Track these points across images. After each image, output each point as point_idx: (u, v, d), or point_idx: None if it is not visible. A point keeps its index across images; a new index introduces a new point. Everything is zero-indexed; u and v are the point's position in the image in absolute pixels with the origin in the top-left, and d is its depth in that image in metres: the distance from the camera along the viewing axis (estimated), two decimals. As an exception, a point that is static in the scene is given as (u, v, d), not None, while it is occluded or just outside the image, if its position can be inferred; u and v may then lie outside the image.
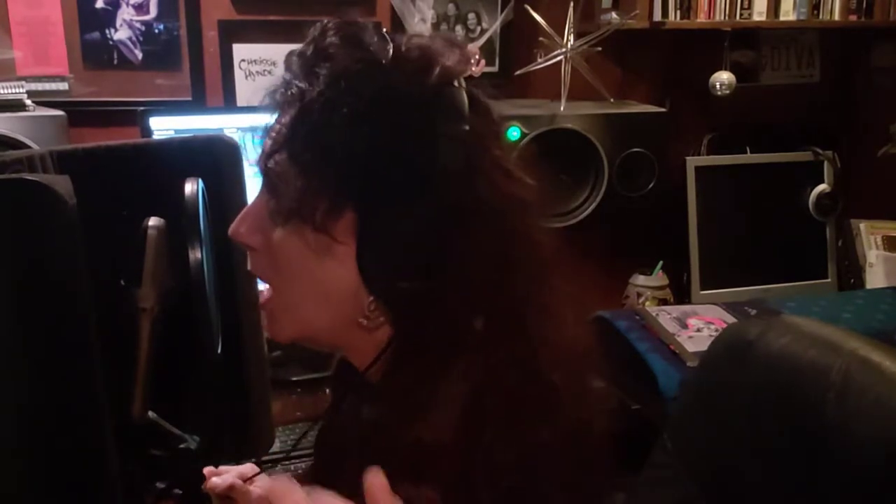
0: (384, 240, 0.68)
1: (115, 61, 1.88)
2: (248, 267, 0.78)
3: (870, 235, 2.29)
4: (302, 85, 0.70)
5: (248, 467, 1.06)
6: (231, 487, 1.01)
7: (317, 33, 0.72)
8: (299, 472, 1.35)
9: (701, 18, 2.09)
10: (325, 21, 0.73)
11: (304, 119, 0.69)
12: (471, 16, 2.09)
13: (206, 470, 0.98)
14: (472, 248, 0.68)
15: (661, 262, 2.17)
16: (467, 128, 0.68)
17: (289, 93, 0.71)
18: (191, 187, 0.80)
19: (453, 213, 0.67)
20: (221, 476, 1.02)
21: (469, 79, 0.72)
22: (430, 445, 0.66)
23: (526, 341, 0.69)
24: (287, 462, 1.37)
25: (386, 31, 0.73)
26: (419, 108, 0.68)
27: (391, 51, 0.70)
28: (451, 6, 2.07)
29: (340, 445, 0.78)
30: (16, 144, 1.50)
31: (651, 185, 2.02)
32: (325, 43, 0.71)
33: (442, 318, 0.68)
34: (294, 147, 0.70)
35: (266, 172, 0.73)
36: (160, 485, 0.93)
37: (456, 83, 0.71)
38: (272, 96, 0.72)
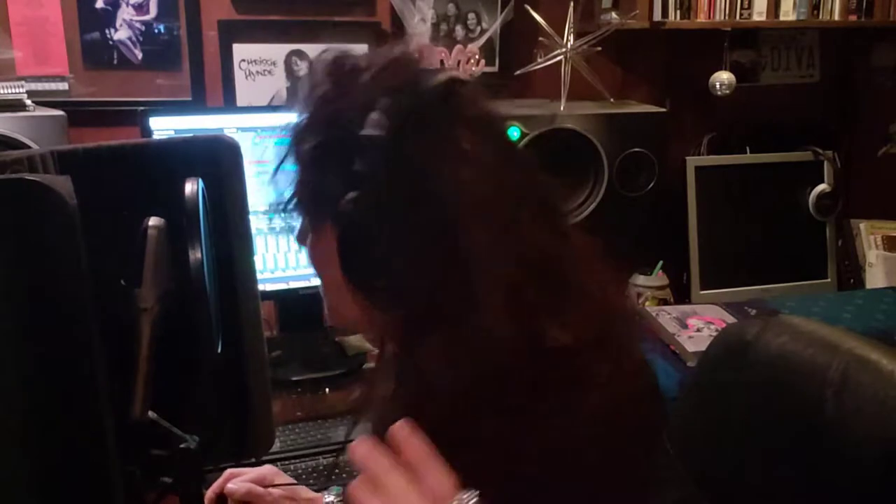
0: (351, 250, 0.76)
1: (115, 61, 1.89)
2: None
3: (870, 235, 2.30)
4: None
5: (267, 468, 1.07)
6: (249, 493, 1.02)
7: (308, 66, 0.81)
8: (299, 471, 1.36)
9: (701, 18, 2.09)
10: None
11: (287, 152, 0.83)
12: (471, 16, 2.09)
13: (227, 472, 1.01)
14: (418, 262, 0.74)
15: (661, 262, 2.17)
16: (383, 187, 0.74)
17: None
18: (191, 187, 0.80)
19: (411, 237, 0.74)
20: (239, 481, 1.03)
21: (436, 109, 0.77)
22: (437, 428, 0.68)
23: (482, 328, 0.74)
24: (287, 462, 1.37)
25: (349, 56, 0.81)
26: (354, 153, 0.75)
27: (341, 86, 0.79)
28: (451, 6, 2.07)
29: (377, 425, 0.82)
30: (16, 144, 1.50)
31: (651, 185, 2.02)
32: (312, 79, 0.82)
33: (407, 312, 0.76)
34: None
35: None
36: (165, 479, 0.93)
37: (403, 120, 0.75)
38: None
